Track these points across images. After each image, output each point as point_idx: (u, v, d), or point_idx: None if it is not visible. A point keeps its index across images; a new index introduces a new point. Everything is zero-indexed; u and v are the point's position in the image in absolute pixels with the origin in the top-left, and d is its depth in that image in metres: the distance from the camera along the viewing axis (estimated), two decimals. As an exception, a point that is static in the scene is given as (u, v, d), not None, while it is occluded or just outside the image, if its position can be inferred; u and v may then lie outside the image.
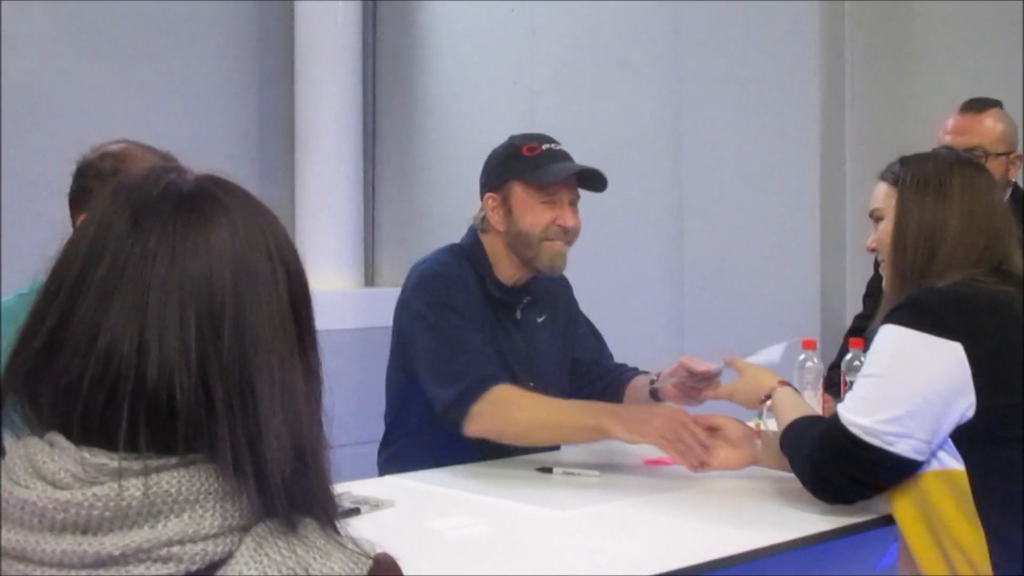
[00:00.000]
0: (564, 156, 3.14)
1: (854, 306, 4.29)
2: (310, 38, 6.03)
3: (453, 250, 3.21)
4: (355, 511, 2.46)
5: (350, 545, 1.09)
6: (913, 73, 4.57)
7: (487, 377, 2.88)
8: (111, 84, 5.51)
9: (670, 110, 5.07)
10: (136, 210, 1.10)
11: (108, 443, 1.05)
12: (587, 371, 3.33)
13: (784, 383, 2.84)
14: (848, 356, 3.45)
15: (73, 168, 2.63)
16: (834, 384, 3.53)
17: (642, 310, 5.15)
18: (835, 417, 2.39)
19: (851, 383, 3.29)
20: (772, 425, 2.79)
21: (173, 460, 1.05)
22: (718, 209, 4.90)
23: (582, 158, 5.30)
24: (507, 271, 3.16)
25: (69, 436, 1.06)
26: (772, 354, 2.99)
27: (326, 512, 1.10)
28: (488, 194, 3.14)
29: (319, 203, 5.98)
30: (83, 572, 1.02)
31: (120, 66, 5.56)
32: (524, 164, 3.09)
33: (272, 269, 1.12)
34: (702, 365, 3.04)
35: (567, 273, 3.25)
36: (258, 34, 6.14)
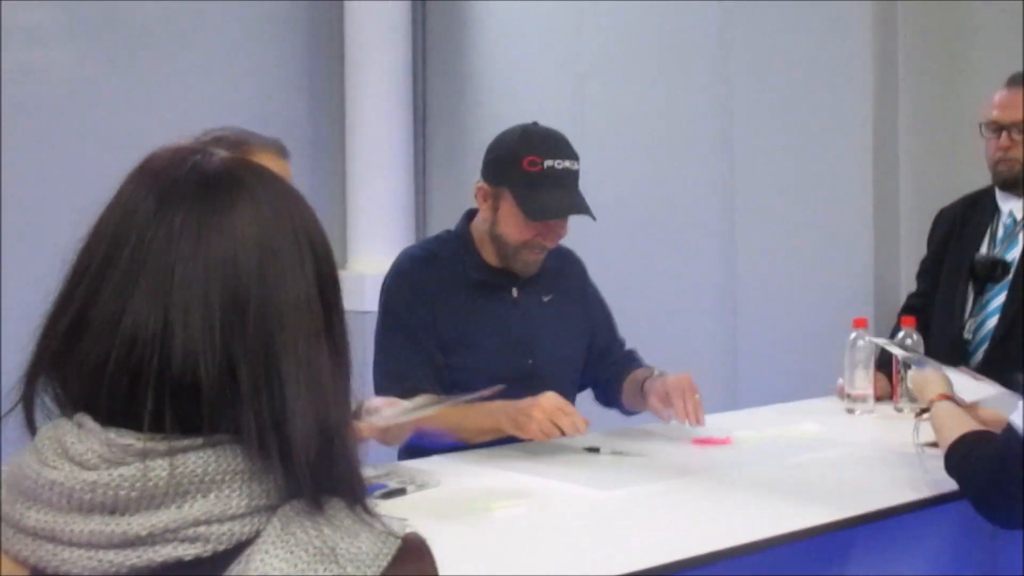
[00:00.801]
0: (563, 180, 3.05)
1: (908, 284, 4.25)
2: (359, 21, 6.03)
3: (440, 236, 3.32)
4: (401, 491, 2.47)
5: (378, 525, 1.09)
6: (967, 48, 4.50)
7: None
8: (161, 76, 5.50)
9: (719, 89, 5.03)
10: (161, 192, 1.10)
11: (134, 424, 1.05)
12: (598, 358, 3.34)
13: (947, 396, 2.67)
14: (900, 334, 3.43)
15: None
16: (886, 364, 3.51)
17: (694, 289, 5.12)
18: (1010, 431, 2.23)
19: (903, 361, 3.27)
20: (925, 432, 2.71)
21: (199, 441, 1.05)
22: (769, 187, 4.86)
23: (630, 140, 5.29)
24: (493, 256, 3.18)
25: (96, 417, 1.07)
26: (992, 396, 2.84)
27: (353, 492, 1.10)
28: (482, 183, 3.13)
29: (370, 187, 6.00)
30: (111, 552, 1.02)
31: (173, 60, 5.53)
32: (519, 179, 3.04)
33: (298, 250, 1.11)
34: (664, 413, 3.05)
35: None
36: (307, 19, 6.15)
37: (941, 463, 2.47)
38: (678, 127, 5.18)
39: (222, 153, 1.15)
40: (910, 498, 2.44)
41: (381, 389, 3.02)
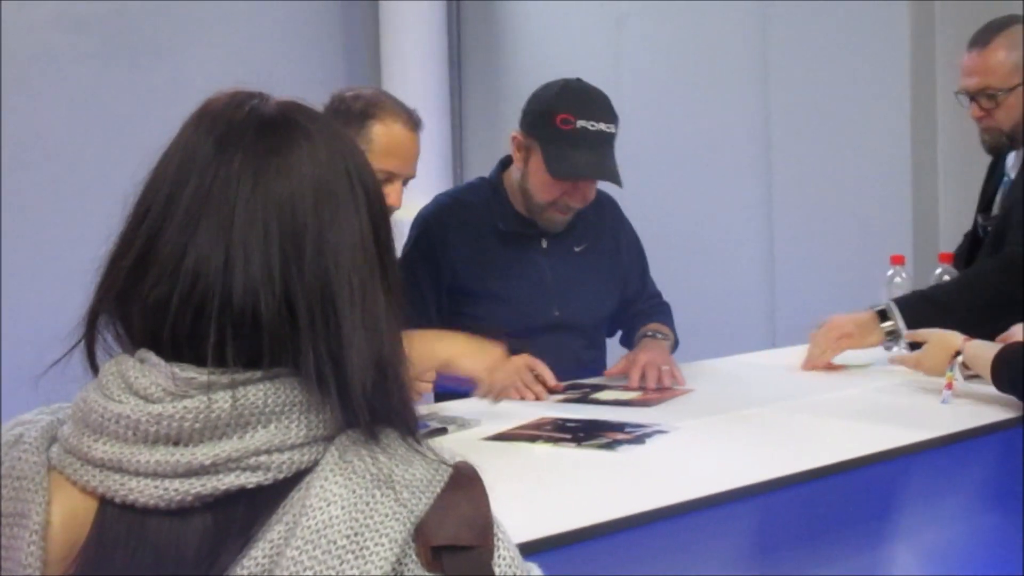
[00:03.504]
0: (595, 142, 3.02)
1: (946, 221, 4.25)
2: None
3: (473, 183, 3.33)
4: (442, 430, 2.51)
5: (430, 454, 1.13)
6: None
7: None
8: (194, 83, 5.39)
9: (757, 30, 5.02)
10: (220, 135, 1.14)
11: (196, 359, 1.09)
12: (625, 306, 3.36)
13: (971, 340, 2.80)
14: (937, 271, 3.42)
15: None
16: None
17: (732, 228, 5.14)
18: None
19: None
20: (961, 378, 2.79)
21: (259, 374, 1.09)
22: (807, 124, 4.86)
23: (667, 81, 5.27)
24: (523, 206, 3.18)
25: (159, 353, 1.11)
26: None
27: (406, 423, 1.14)
28: (517, 132, 3.12)
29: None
30: (176, 481, 1.07)
31: (208, 59, 5.50)
32: (551, 136, 3.02)
33: (352, 190, 1.15)
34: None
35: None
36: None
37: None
38: (716, 67, 5.18)
39: (277, 97, 1.19)
40: (951, 430, 2.46)
41: None
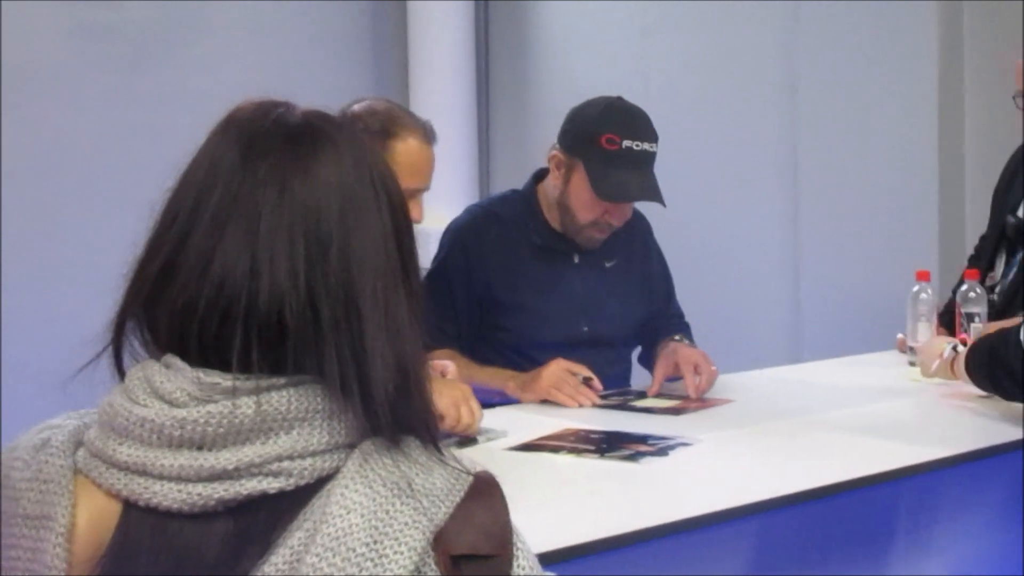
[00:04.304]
0: (639, 162, 3.03)
1: (973, 236, 4.22)
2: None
3: (506, 196, 3.33)
4: (472, 441, 2.52)
5: (451, 462, 1.14)
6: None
7: None
8: (224, 85, 5.42)
9: (783, 43, 5.01)
10: (246, 143, 1.15)
11: (222, 364, 1.11)
12: (648, 321, 3.37)
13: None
14: (963, 287, 3.39)
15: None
16: (949, 312, 3.46)
17: (756, 242, 5.13)
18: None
19: (966, 315, 3.25)
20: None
21: (283, 380, 1.10)
22: (834, 139, 4.85)
23: (693, 96, 5.26)
24: (558, 222, 3.19)
25: (185, 358, 1.12)
26: None
27: (428, 431, 1.15)
28: (557, 150, 3.12)
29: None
30: (200, 485, 1.08)
31: (234, 66, 5.49)
32: (595, 155, 3.02)
33: (376, 197, 1.17)
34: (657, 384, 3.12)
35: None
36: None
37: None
38: (743, 77, 5.17)
39: (303, 106, 1.20)
40: (969, 448, 2.46)
41: None
